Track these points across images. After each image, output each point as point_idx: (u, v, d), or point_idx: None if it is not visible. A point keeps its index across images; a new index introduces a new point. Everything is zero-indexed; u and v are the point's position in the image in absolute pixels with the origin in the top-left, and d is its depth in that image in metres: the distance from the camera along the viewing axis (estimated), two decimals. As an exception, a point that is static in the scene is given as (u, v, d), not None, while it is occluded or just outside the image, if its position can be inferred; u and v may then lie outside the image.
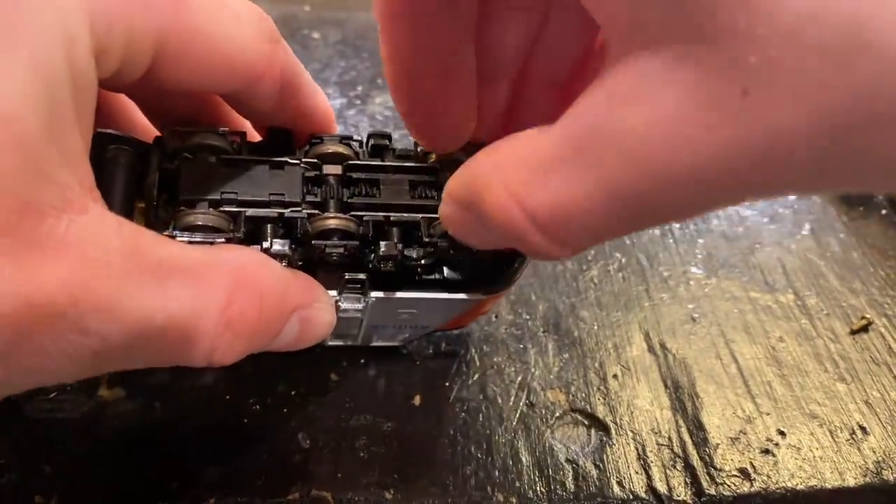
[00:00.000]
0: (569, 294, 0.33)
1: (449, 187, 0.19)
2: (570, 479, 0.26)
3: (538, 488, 0.25)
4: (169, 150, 0.21)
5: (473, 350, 0.30)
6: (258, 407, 0.26)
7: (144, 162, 0.21)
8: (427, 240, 0.22)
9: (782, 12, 0.11)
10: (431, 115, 0.22)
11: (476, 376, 0.29)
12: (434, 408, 0.27)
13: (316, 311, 0.21)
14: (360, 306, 0.23)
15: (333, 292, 0.22)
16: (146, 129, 0.24)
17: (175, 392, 0.27)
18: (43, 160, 0.14)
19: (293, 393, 0.27)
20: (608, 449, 0.27)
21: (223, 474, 0.24)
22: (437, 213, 0.21)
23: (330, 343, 0.27)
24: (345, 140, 0.23)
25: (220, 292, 0.17)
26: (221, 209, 0.20)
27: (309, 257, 0.22)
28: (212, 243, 0.19)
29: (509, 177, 0.15)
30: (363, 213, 0.22)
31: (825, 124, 0.11)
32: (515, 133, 0.17)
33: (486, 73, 0.21)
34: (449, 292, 0.24)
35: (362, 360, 0.29)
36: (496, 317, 0.31)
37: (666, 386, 0.29)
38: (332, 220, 0.21)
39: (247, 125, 0.24)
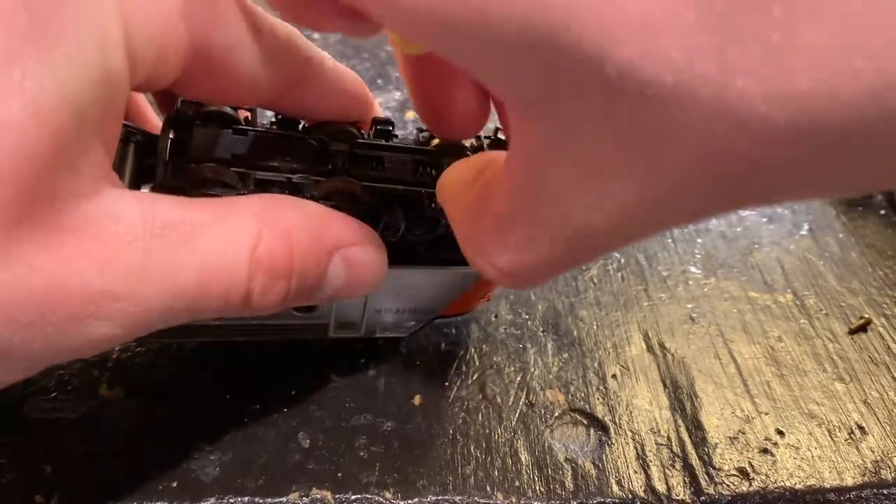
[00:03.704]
0: (568, 294, 0.33)
1: (437, 195, 0.20)
2: (569, 478, 0.26)
3: (537, 488, 0.25)
4: (181, 119, 0.21)
5: (473, 350, 0.30)
6: (258, 406, 0.26)
7: (152, 149, 0.21)
8: (429, 213, 0.22)
9: (656, 89, 0.11)
10: (444, 116, 0.23)
11: (475, 376, 0.29)
12: (434, 407, 0.27)
13: (362, 252, 0.20)
14: None
15: None
16: (156, 126, 0.24)
17: (175, 392, 0.27)
18: (71, 153, 0.15)
19: (293, 392, 0.27)
20: (607, 448, 0.27)
21: (223, 474, 0.24)
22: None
23: (333, 335, 0.27)
24: (351, 123, 0.24)
25: (245, 236, 0.17)
26: (231, 169, 0.21)
27: None
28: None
29: (474, 242, 0.17)
30: (368, 184, 0.22)
31: (720, 181, 0.12)
32: (476, 165, 0.19)
33: None
34: (450, 266, 0.24)
35: (362, 360, 0.29)
36: (495, 317, 0.31)
37: (665, 386, 0.29)
38: (340, 183, 0.21)
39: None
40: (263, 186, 0.21)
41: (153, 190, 0.20)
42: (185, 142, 0.21)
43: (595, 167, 0.13)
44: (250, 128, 0.22)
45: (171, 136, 0.21)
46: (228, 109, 0.22)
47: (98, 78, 0.15)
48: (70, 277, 0.15)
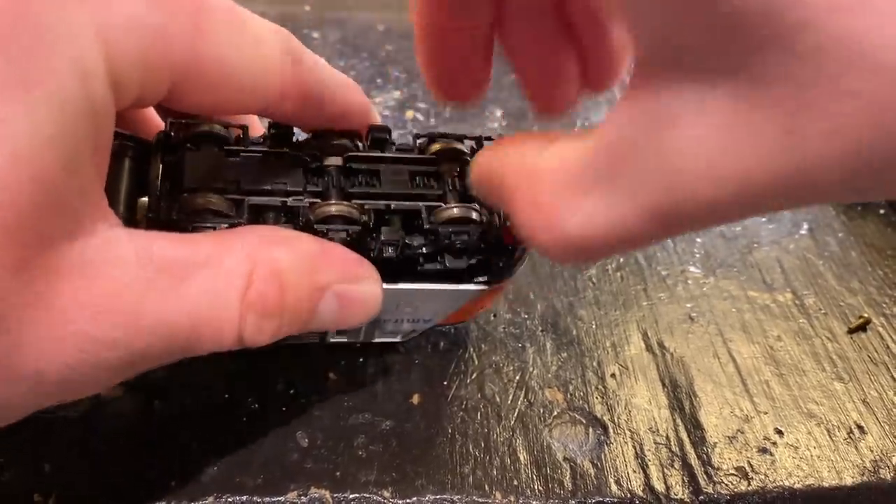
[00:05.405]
0: (567, 293, 0.33)
1: (476, 170, 0.19)
2: (567, 477, 0.26)
3: (536, 487, 0.25)
4: (172, 142, 0.21)
5: (472, 349, 0.30)
6: (257, 406, 0.27)
7: (147, 159, 0.21)
8: (428, 227, 0.22)
9: (825, 58, 0.11)
10: (453, 81, 0.22)
11: (474, 375, 0.29)
12: (432, 406, 0.27)
13: (355, 288, 0.20)
14: None
15: None
16: (154, 120, 0.24)
17: (174, 391, 0.27)
18: (58, 193, 0.14)
19: (292, 392, 0.27)
20: (606, 448, 0.27)
21: (222, 473, 0.24)
22: (437, 201, 0.22)
23: (332, 340, 0.27)
24: (346, 134, 0.23)
25: (237, 278, 0.17)
26: (225, 197, 0.20)
27: None
28: (214, 228, 0.20)
29: (539, 192, 0.15)
30: (364, 202, 0.22)
31: (858, 159, 0.11)
32: (544, 135, 0.16)
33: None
34: (451, 283, 0.24)
35: (361, 359, 0.29)
36: (494, 316, 0.31)
37: (664, 385, 0.29)
38: (334, 207, 0.21)
39: (252, 119, 0.24)
40: (258, 212, 0.21)
41: (147, 218, 0.20)
42: (176, 167, 0.20)
43: (724, 144, 0.12)
44: (242, 148, 0.21)
45: (161, 164, 0.20)
46: (219, 128, 0.21)
47: (81, 111, 0.14)
48: (64, 327, 0.15)
